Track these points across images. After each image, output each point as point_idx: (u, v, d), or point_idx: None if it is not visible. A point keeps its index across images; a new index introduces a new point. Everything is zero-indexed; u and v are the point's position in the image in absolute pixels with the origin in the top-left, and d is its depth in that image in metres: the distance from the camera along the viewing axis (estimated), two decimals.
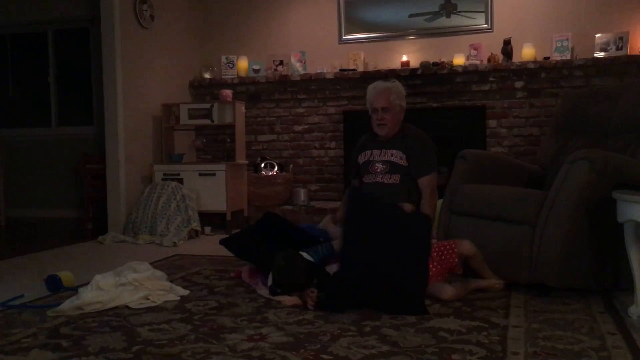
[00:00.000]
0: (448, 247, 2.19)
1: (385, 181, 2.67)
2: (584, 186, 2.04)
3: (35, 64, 5.20)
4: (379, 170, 2.69)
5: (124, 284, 2.12)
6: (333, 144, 4.47)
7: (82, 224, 4.28)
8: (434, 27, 4.26)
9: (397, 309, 1.91)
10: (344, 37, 4.45)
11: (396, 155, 2.68)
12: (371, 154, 2.75)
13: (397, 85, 2.76)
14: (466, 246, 2.20)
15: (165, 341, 1.67)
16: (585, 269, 2.09)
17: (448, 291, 2.08)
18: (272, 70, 4.53)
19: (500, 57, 4.02)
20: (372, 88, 2.76)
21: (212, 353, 1.57)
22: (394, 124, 2.70)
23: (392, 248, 2.04)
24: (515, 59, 4.00)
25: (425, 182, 2.66)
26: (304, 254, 2.18)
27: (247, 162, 4.35)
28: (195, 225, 3.81)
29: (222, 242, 2.56)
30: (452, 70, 4.07)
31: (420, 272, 2.05)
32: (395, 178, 2.66)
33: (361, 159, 2.80)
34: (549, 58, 3.92)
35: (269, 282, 2.15)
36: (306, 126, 4.51)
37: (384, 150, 2.72)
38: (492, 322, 1.82)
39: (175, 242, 3.55)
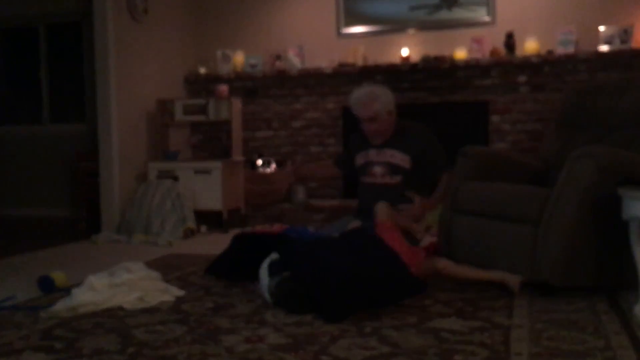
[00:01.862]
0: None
1: (387, 181, 2.62)
2: (587, 183, 2.01)
3: (26, 60, 5.14)
4: (377, 174, 2.64)
5: (118, 285, 2.09)
6: (332, 140, 4.43)
7: (75, 223, 4.23)
8: (435, 21, 4.21)
9: (395, 296, 1.91)
10: (342, 31, 4.40)
11: (396, 157, 2.61)
12: (367, 155, 2.68)
13: (381, 91, 2.59)
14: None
15: (161, 343, 1.65)
16: (590, 267, 2.07)
17: (441, 261, 2.22)
18: (270, 65, 4.48)
19: (503, 51, 3.98)
20: (355, 100, 2.59)
21: (209, 355, 1.54)
22: (384, 130, 2.62)
23: (352, 254, 2.05)
24: (518, 52, 3.96)
25: (443, 179, 2.63)
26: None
27: (243, 159, 4.31)
28: (191, 224, 3.78)
29: (207, 272, 2.50)
30: (454, 65, 4.03)
31: (390, 256, 2.06)
32: (397, 178, 2.61)
33: (359, 159, 2.73)
34: (552, 52, 3.88)
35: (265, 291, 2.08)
36: (304, 122, 4.47)
37: (381, 151, 2.64)
38: (495, 322, 1.79)
39: (170, 242, 3.51)
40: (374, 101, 2.55)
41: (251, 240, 2.46)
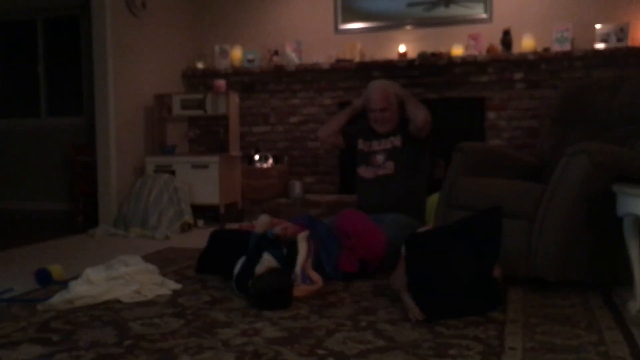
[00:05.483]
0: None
1: (380, 173, 2.76)
2: (582, 180, 2.02)
3: (24, 53, 5.13)
4: (380, 163, 2.79)
5: (115, 278, 2.10)
6: None
7: (72, 216, 4.23)
8: (432, 17, 4.21)
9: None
10: (340, 27, 4.40)
11: (394, 141, 2.79)
12: (371, 145, 2.84)
13: (392, 85, 2.85)
14: None
15: (158, 336, 1.66)
16: (584, 263, 2.08)
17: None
18: (267, 60, 4.47)
19: (500, 47, 3.99)
20: (372, 86, 2.84)
21: (205, 348, 1.55)
22: (393, 121, 2.80)
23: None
24: (515, 49, 3.97)
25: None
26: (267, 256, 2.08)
27: (241, 153, 4.31)
28: (188, 218, 3.78)
29: (198, 271, 2.49)
30: (451, 61, 4.04)
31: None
32: (390, 166, 2.74)
33: (361, 145, 2.86)
34: (548, 49, 3.89)
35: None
36: (301, 117, 4.47)
37: (383, 141, 2.82)
38: (490, 317, 1.81)
39: (167, 236, 3.52)
40: (390, 94, 2.80)
41: (227, 237, 2.50)
